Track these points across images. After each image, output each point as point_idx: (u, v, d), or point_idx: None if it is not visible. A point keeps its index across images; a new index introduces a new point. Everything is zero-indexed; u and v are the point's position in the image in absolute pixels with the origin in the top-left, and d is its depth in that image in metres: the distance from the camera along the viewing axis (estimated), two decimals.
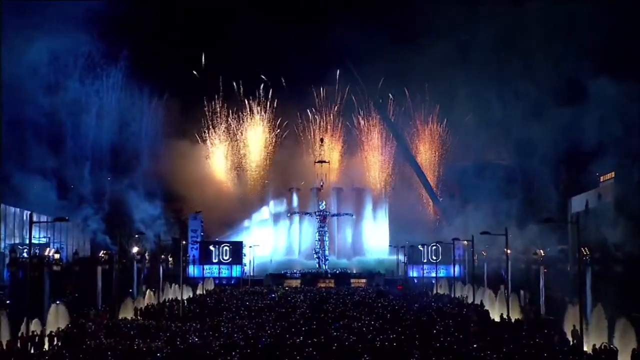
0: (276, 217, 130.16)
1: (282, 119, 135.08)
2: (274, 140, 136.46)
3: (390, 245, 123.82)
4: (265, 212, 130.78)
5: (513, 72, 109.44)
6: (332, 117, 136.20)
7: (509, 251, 67.71)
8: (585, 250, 56.70)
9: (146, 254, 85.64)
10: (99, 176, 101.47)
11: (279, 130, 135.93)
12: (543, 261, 68.50)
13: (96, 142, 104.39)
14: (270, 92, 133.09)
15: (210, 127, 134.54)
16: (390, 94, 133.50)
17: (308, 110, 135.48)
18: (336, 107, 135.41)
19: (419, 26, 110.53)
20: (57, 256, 59.98)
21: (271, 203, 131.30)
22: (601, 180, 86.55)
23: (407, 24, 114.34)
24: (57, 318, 50.05)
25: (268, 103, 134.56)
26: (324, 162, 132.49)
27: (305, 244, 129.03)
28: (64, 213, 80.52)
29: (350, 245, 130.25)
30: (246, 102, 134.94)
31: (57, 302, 55.02)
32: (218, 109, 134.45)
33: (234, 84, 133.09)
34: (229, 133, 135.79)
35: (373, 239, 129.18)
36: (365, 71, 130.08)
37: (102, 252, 71.85)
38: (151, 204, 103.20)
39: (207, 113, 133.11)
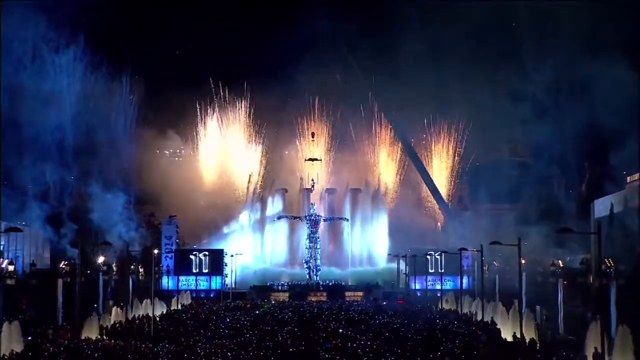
0: (261, 222, 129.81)
1: (266, 111, 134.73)
2: (258, 135, 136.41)
3: (389, 254, 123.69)
4: (248, 216, 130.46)
5: (529, 60, 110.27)
6: (323, 108, 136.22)
7: (523, 261, 67.69)
8: (609, 262, 56.67)
9: (113, 265, 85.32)
10: (60, 175, 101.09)
11: (263, 124, 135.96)
12: (562, 273, 68.46)
13: (56, 135, 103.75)
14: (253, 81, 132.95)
15: (183, 120, 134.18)
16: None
17: (295, 102, 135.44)
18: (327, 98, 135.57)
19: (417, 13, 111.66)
20: (11, 268, 59.61)
21: (256, 206, 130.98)
22: (627, 180, 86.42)
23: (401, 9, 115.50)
24: (10, 339, 49.65)
25: (248, 93, 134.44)
26: (316, 159, 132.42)
27: (294, 253, 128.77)
28: (19, 218, 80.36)
29: (345, 253, 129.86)
30: (223, 91, 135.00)
31: (12, 319, 54.72)
32: (192, 99, 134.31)
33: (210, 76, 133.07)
34: (205, 126, 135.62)
35: (371, 246, 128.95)
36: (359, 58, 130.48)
37: (63, 262, 71.47)
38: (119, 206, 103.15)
39: (179, 104, 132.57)
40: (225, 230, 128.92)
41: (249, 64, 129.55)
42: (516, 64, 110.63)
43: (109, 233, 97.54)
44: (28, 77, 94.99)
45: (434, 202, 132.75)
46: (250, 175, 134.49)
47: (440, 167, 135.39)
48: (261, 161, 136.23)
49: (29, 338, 50.68)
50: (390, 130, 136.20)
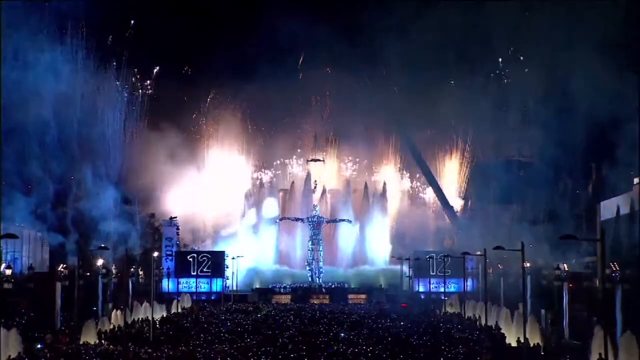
0: (263, 224, 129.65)
1: (267, 110, 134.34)
2: (259, 135, 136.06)
3: (392, 257, 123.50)
4: (250, 217, 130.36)
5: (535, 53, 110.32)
6: (326, 108, 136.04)
7: (528, 264, 67.59)
8: (614, 266, 56.53)
9: (113, 267, 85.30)
10: (58, 174, 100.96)
11: (264, 123, 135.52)
12: (567, 276, 68.32)
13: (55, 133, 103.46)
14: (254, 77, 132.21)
15: (183, 118, 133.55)
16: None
17: (298, 102, 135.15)
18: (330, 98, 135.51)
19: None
20: (8, 272, 59.57)
21: (257, 208, 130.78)
22: (635, 182, 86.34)
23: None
24: (7, 344, 49.58)
25: (248, 91, 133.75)
26: (318, 160, 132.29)
27: (296, 254, 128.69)
28: (15, 219, 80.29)
29: (348, 255, 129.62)
30: (223, 90, 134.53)
31: (10, 322, 54.71)
32: (192, 98, 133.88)
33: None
34: (204, 125, 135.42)
35: (374, 248, 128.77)
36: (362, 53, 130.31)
37: (61, 265, 71.40)
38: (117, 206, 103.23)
39: (179, 103, 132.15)
40: (226, 232, 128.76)
41: (250, 62, 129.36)
42: (519, 62, 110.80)
43: (107, 233, 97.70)
44: (21, 72, 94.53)
45: (438, 203, 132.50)
46: (251, 176, 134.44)
47: (445, 167, 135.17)
48: (262, 162, 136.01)
49: (23, 345, 50.36)
50: (393, 129, 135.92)
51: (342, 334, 63.71)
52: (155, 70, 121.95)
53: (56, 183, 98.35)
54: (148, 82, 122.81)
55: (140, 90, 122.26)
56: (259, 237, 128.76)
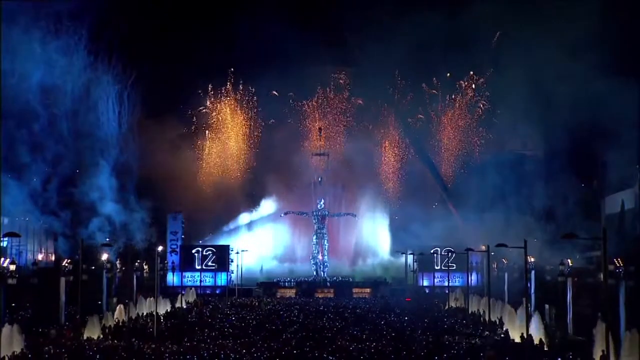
0: (268, 218, 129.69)
1: (271, 104, 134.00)
2: (265, 130, 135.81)
3: (396, 251, 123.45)
4: (254, 211, 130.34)
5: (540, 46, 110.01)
6: (332, 102, 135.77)
7: (532, 259, 67.50)
8: (618, 262, 56.32)
9: (117, 262, 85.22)
10: (58, 166, 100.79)
11: (272, 120, 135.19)
12: (570, 272, 68.18)
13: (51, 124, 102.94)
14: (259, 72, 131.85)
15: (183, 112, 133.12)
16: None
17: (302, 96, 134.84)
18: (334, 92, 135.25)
19: None
20: (12, 267, 59.53)
21: (262, 201, 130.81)
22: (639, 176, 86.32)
23: None
24: (12, 340, 49.65)
25: (253, 84, 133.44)
26: (323, 154, 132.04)
27: (301, 248, 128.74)
28: (18, 214, 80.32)
29: (352, 249, 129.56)
30: (227, 83, 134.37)
31: (14, 317, 54.67)
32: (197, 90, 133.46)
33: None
34: (210, 119, 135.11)
35: (378, 242, 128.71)
36: (370, 49, 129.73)
37: (65, 260, 71.32)
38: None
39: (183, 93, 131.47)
40: (230, 226, 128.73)
41: (255, 56, 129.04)
42: (524, 56, 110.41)
43: (109, 228, 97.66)
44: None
45: (443, 197, 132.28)
46: (258, 173, 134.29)
47: (449, 160, 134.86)
48: (266, 156, 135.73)
49: (24, 344, 50.44)
50: (397, 123, 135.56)
51: (346, 329, 63.77)
52: (153, 63, 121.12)
53: (54, 172, 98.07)
54: (137, 75, 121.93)
55: (130, 78, 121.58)
56: (263, 231, 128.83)
